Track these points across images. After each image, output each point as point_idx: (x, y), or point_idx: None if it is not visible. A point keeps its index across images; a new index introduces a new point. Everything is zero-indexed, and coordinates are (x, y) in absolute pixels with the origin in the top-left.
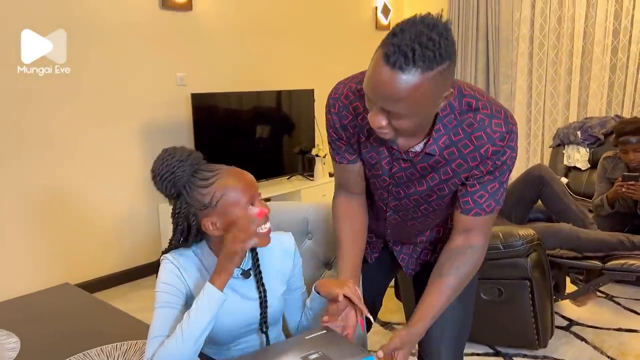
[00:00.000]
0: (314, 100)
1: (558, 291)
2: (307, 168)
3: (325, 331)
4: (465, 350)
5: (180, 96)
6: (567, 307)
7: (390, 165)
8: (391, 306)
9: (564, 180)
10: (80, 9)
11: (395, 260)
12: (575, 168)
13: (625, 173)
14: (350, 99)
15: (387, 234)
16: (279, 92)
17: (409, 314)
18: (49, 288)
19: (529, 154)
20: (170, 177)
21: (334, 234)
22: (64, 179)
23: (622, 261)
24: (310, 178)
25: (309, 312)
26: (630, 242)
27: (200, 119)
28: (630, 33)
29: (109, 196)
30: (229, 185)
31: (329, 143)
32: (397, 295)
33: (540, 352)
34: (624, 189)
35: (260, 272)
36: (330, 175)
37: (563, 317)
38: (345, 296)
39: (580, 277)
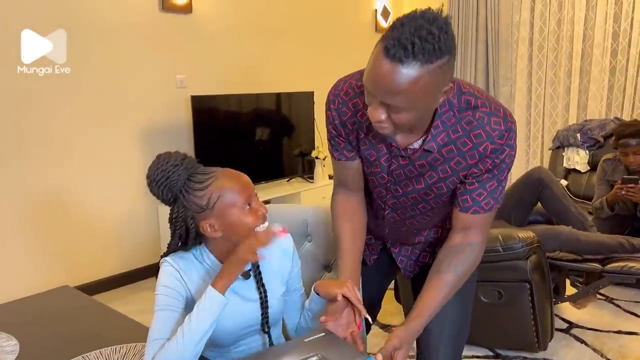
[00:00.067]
0: (313, 103)
1: (558, 294)
2: (306, 170)
3: (324, 334)
4: (465, 353)
5: (180, 98)
6: (567, 310)
7: (388, 163)
8: (391, 309)
9: (564, 182)
10: (80, 9)
11: (394, 262)
12: (574, 170)
13: (625, 176)
14: (350, 95)
15: (385, 233)
16: (278, 95)
17: None
18: (48, 290)
19: (529, 156)
20: (166, 182)
21: (333, 232)
22: (63, 180)
23: (621, 264)
24: (310, 180)
25: (307, 313)
26: (630, 244)
27: (200, 121)
28: (630, 36)
29: (109, 198)
30: (224, 186)
31: (328, 140)
32: (397, 298)
33: (540, 355)
34: (623, 192)
35: (260, 273)
36: (330, 177)
37: (563, 319)
38: (344, 296)
39: (580, 280)
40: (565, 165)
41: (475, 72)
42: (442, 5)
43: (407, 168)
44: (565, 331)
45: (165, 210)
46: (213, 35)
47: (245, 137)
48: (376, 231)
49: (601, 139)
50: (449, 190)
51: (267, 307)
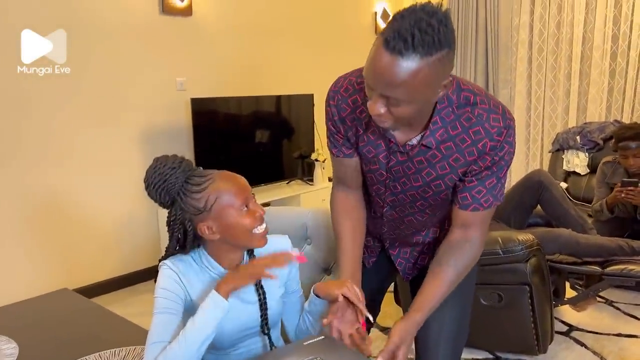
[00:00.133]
0: (313, 105)
1: (558, 296)
2: (306, 173)
3: (323, 337)
4: (465, 356)
5: (180, 101)
6: (566, 313)
7: (387, 159)
8: (390, 311)
9: (563, 185)
10: (80, 10)
11: (393, 265)
12: (574, 173)
13: (625, 179)
14: (350, 92)
15: (383, 232)
16: (278, 97)
17: None
18: (47, 293)
19: (529, 159)
20: (164, 184)
21: (333, 230)
22: (63, 181)
23: (621, 266)
24: (310, 183)
25: (307, 315)
26: (630, 247)
27: (200, 124)
28: (629, 38)
29: (109, 199)
30: (222, 188)
31: (327, 137)
32: (397, 301)
33: (540, 358)
34: (623, 195)
35: None
36: (330, 180)
37: (563, 322)
38: (344, 296)
39: (580, 283)
40: (564, 167)
41: (474, 75)
42: (442, 0)
43: (406, 164)
44: (565, 334)
45: (165, 213)
46: (213, 38)
47: (245, 139)
48: (374, 231)
49: (601, 142)
50: (447, 187)
51: (266, 309)
